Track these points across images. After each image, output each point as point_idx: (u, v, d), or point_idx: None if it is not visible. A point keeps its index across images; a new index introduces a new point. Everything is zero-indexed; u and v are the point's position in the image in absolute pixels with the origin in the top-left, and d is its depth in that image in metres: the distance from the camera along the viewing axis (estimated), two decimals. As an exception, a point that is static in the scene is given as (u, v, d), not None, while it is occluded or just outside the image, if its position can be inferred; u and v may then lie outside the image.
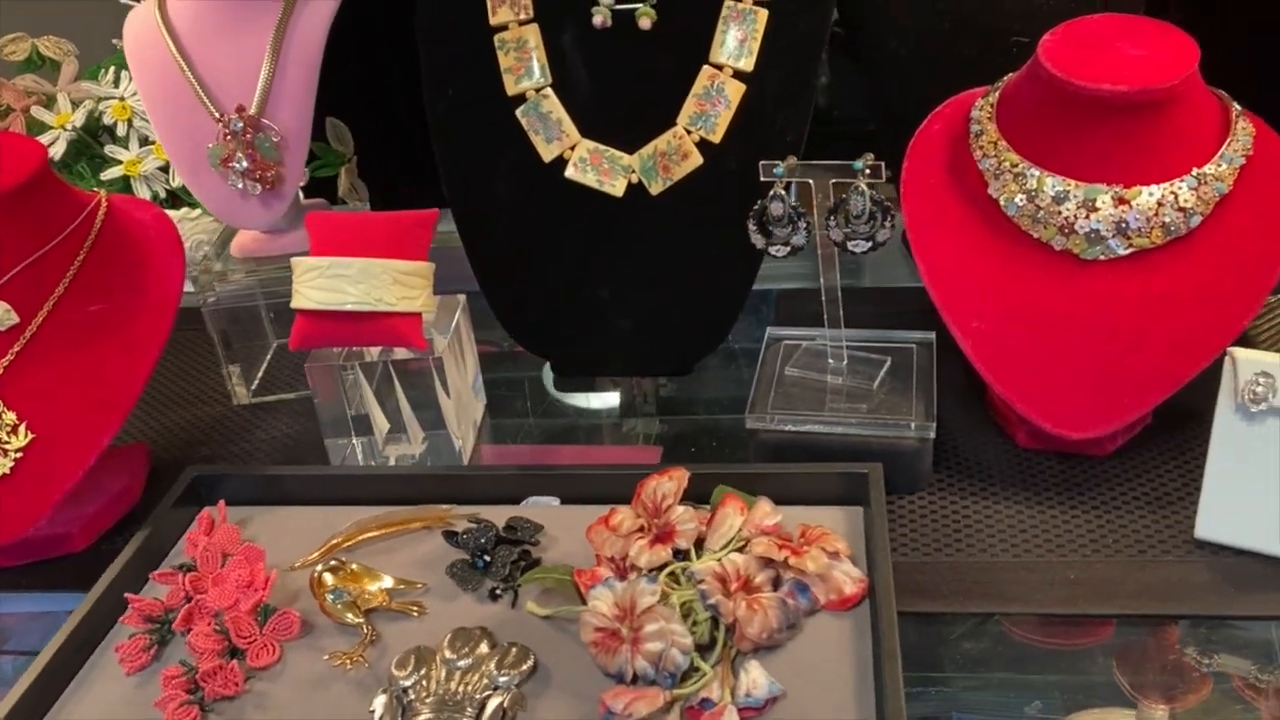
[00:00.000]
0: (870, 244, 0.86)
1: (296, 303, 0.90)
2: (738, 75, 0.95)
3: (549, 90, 0.98)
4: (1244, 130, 0.87)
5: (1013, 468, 0.91)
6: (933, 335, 0.96)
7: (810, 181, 0.86)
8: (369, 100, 1.35)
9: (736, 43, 0.95)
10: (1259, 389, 0.76)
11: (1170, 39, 0.87)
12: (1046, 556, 0.82)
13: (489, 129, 0.99)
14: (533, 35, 0.98)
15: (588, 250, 1.01)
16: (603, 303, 1.02)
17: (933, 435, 0.88)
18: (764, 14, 0.94)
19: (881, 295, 1.15)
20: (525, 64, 0.98)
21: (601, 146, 0.98)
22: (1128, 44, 0.87)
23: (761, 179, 0.87)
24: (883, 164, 0.84)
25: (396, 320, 0.90)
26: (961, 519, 0.87)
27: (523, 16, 0.98)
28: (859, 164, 0.84)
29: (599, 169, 0.98)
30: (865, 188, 0.84)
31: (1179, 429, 0.91)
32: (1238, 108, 0.88)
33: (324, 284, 0.89)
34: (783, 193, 0.87)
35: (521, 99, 0.98)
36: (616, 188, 0.98)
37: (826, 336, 0.94)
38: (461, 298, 1.02)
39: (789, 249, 0.89)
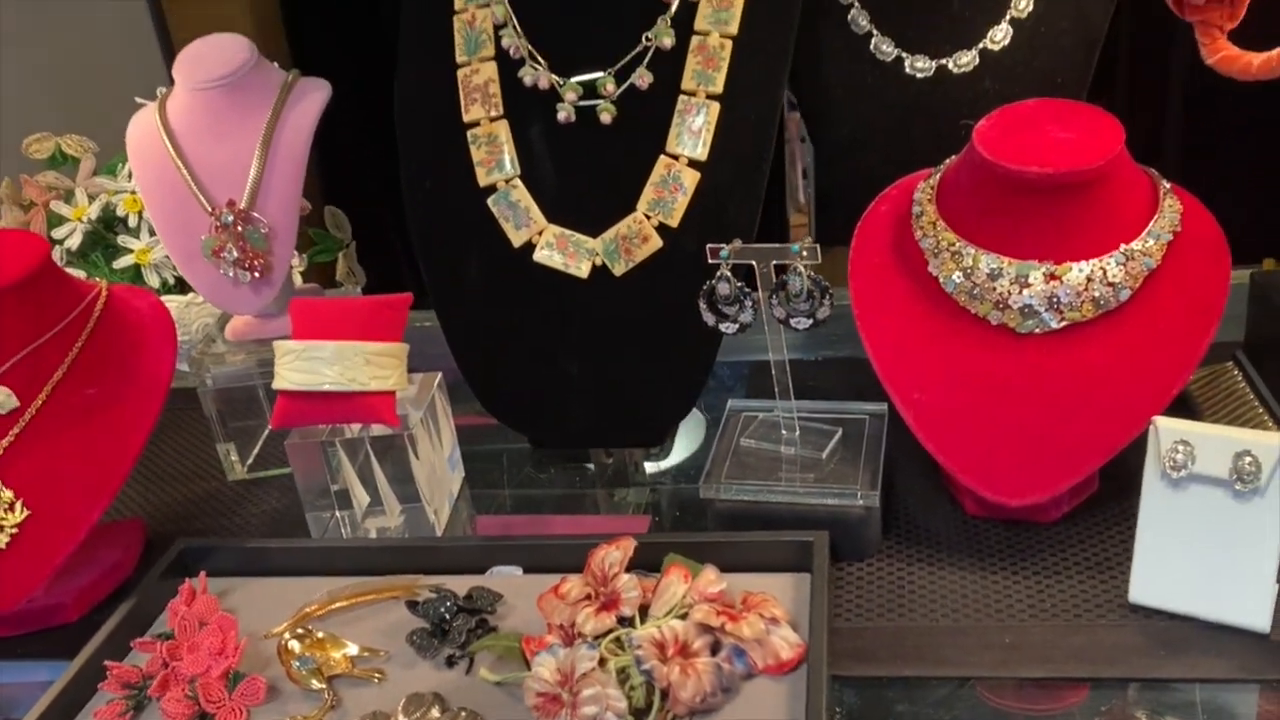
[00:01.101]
0: (811, 321, 0.91)
1: (277, 384, 0.96)
2: (693, 164, 1.01)
3: (518, 181, 1.04)
4: (1171, 207, 0.91)
5: (960, 535, 0.94)
6: (884, 406, 0.99)
7: (753, 263, 0.91)
8: (372, 186, 1.43)
9: (691, 134, 1.01)
10: (1179, 456, 0.79)
11: (1098, 122, 0.91)
12: (985, 621, 0.84)
13: (462, 217, 1.06)
14: (503, 130, 1.05)
15: (557, 328, 1.06)
16: (573, 378, 1.07)
17: (877, 503, 0.91)
18: (716, 106, 1.00)
19: (849, 366, 1.19)
20: (496, 157, 1.05)
21: (567, 231, 1.04)
22: (1057, 128, 0.91)
23: (709, 261, 0.92)
24: (818, 246, 0.88)
25: (371, 399, 0.96)
26: (906, 585, 0.89)
27: (493, 114, 1.05)
28: (796, 247, 0.88)
29: (565, 252, 1.03)
30: (803, 269, 0.88)
31: (1124, 496, 0.93)
32: (1166, 185, 0.92)
33: (302, 366, 0.95)
34: (729, 274, 0.92)
35: (492, 189, 1.05)
36: (582, 270, 1.03)
37: (781, 408, 0.98)
38: (438, 374, 1.07)
39: (738, 326, 0.94)
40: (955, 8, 1.07)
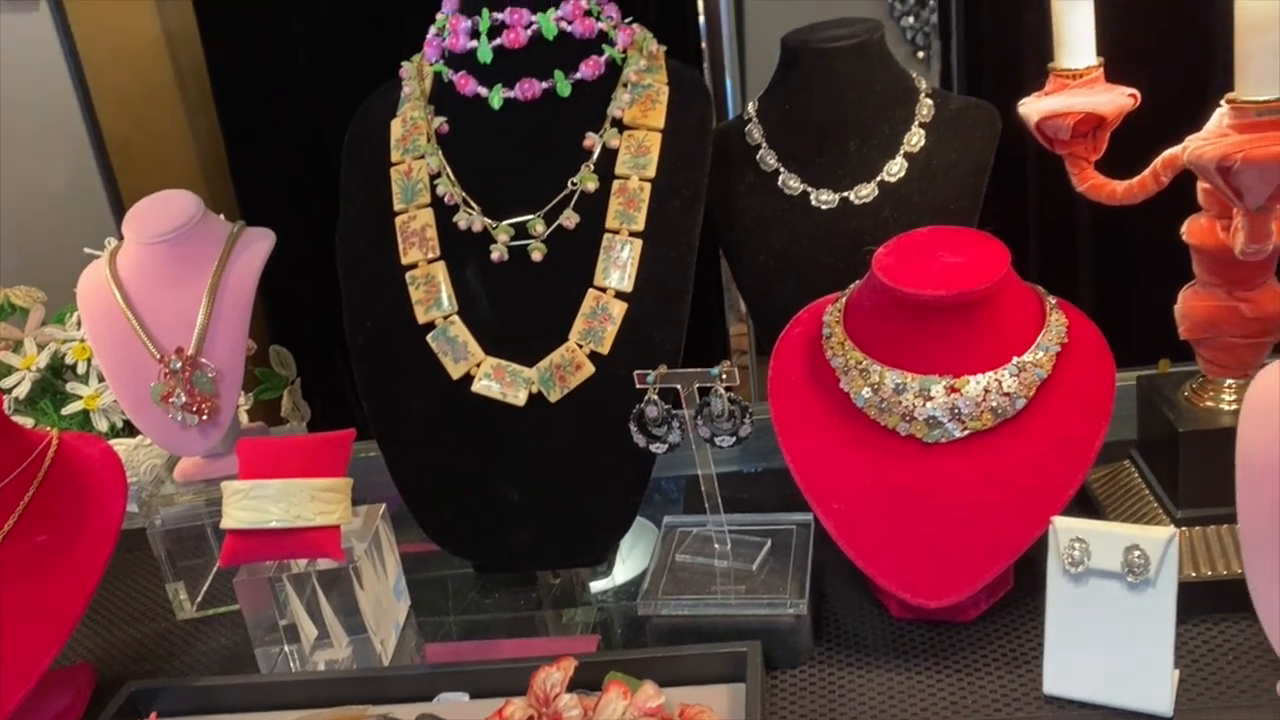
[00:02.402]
0: (734, 439, 0.97)
1: (225, 523, 0.99)
2: (620, 295, 1.07)
3: (455, 317, 1.10)
4: (1057, 321, 0.99)
5: (887, 638, 0.99)
6: (810, 516, 1.05)
7: (678, 387, 0.97)
8: (315, 324, 1.49)
9: (617, 268, 1.08)
10: (1076, 553, 0.85)
11: (985, 246, 1.00)
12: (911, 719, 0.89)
13: (403, 353, 1.11)
14: (440, 271, 1.11)
15: (496, 456, 1.10)
16: (513, 503, 1.11)
17: (806, 611, 0.96)
18: (639, 243, 1.08)
19: (779, 478, 1.24)
20: (434, 296, 1.11)
21: (504, 362, 1.09)
22: (949, 253, 1.00)
23: (636, 386, 0.98)
24: (736, 369, 0.95)
25: (316, 534, 0.99)
26: (838, 689, 0.93)
27: (430, 255, 1.11)
28: (715, 370, 0.95)
29: (503, 382, 1.09)
30: (723, 390, 0.95)
31: (1035, 591, 0.99)
32: (1051, 300, 1.01)
33: (248, 505, 0.98)
34: (656, 398, 0.98)
35: (431, 325, 1.10)
36: (519, 398, 1.09)
37: (713, 523, 1.03)
38: (381, 506, 1.11)
39: (667, 446, 1.00)
40: (853, 147, 1.16)
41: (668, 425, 0.98)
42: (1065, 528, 0.86)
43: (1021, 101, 1.00)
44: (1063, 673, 0.87)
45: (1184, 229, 0.94)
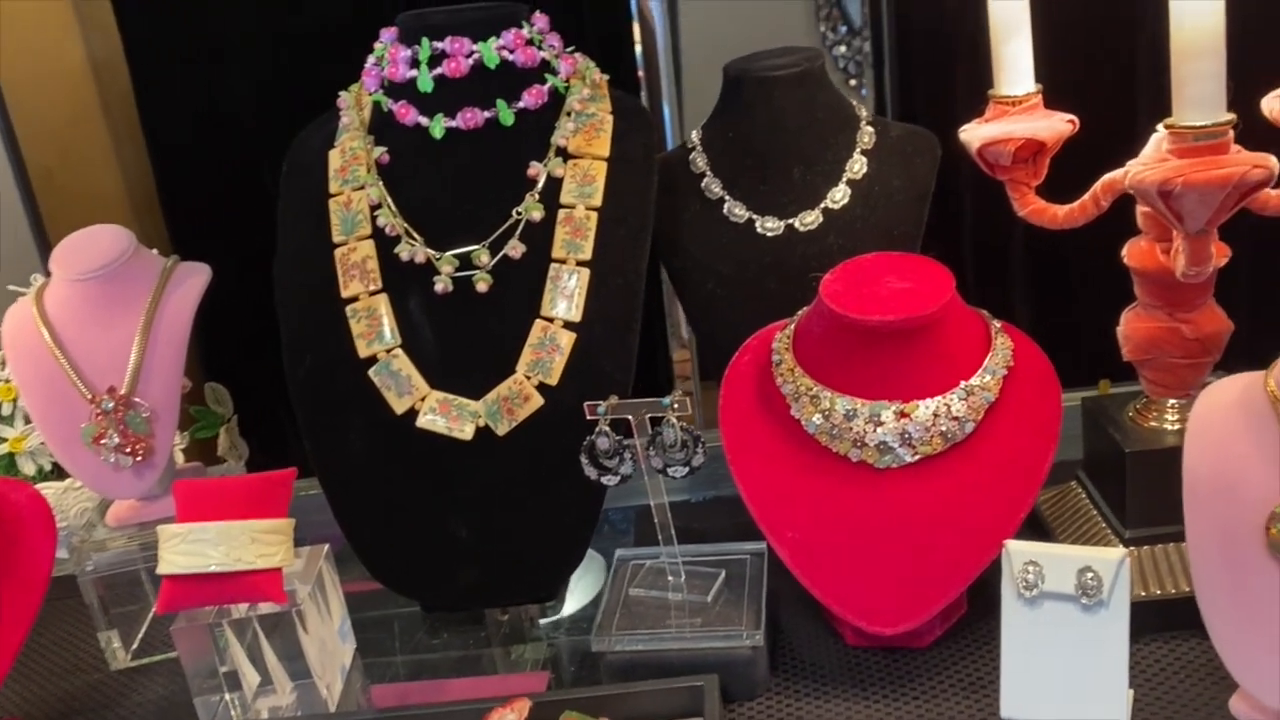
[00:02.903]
0: (687, 468, 0.96)
1: (162, 569, 0.96)
2: (568, 325, 1.06)
3: (399, 350, 1.08)
4: (1003, 344, 1.00)
5: (843, 666, 0.98)
6: (764, 545, 1.04)
7: (629, 417, 0.96)
8: (251, 359, 1.45)
9: (564, 298, 1.06)
10: (1030, 576, 0.85)
11: (930, 271, 1.00)
12: (872, 749, 0.88)
13: (344, 389, 1.08)
14: (382, 304, 1.09)
15: (443, 491, 1.08)
16: (461, 540, 1.09)
17: (763, 642, 0.95)
18: (586, 272, 1.07)
19: (731, 506, 1.23)
20: (376, 329, 1.08)
21: (450, 396, 1.07)
22: (894, 278, 1.00)
23: (588, 418, 0.97)
24: (689, 399, 0.94)
25: (257, 577, 0.96)
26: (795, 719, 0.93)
27: (372, 288, 1.09)
28: (667, 400, 0.94)
29: (448, 416, 1.07)
30: (675, 420, 0.94)
31: (990, 615, 0.99)
32: (996, 324, 1.02)
33: (186, 549, 0.95)
34: (607, 429, 0.97)
35: (373, 360, 1.08)
36: (466, 432, 1.06)
37: (666, 554, 1.02)
38: (324, 546, 1.08)
39: (619, 478, 0.99)
40: (797, 174, 1.17)
41: (619, 457, 0.97)
42: (1018, 551, 0.86)
43: (962, 128, 1.01)
44: (1020, 696, 0.87)
45: (1124, 252, 0.96)
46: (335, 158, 1.13)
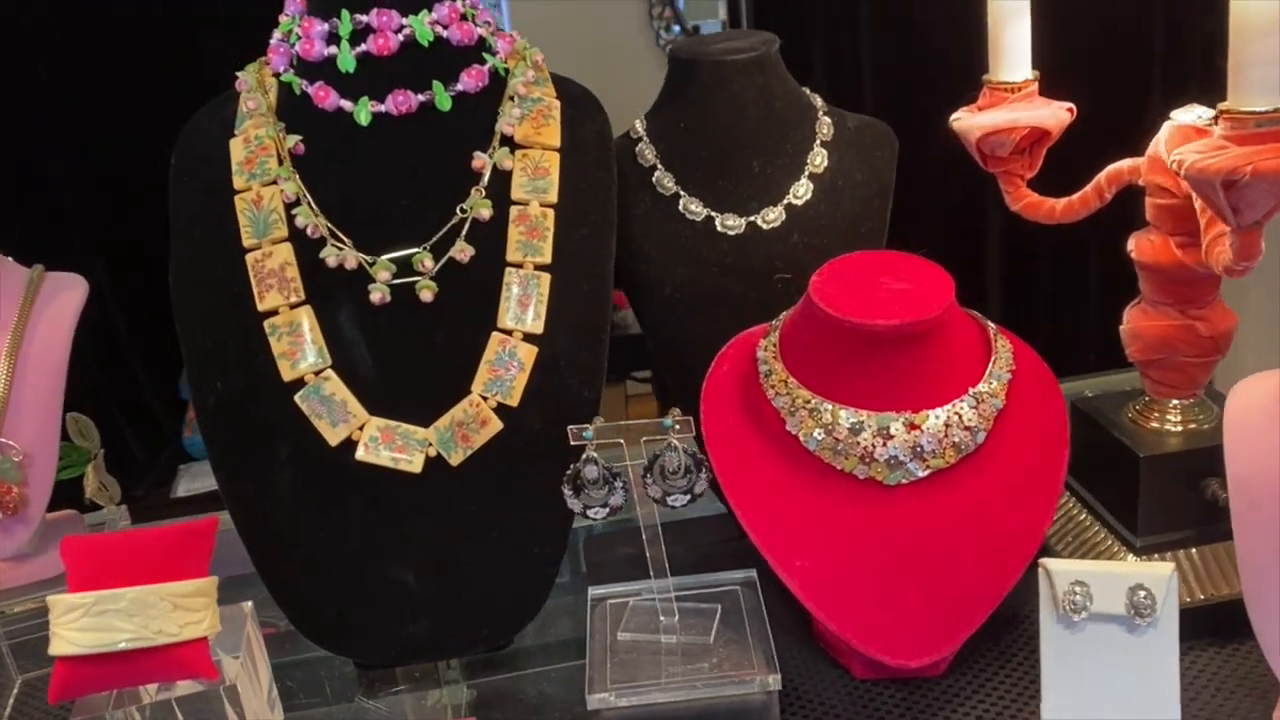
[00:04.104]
0: (689, 497, 0.86)
1: (56, 648, 0.78)
2: (528, 338, 0.94)
3: (330, 372, 0.93)
4: (1004, 347, 0.94)
5: (855, 702, 0.90)
6: (754, 572, 0.95)
7: (622, 441, 0.85)
8: (115, 386, 1.25)
9: (523, 307, 0.94)
10: (1077, 598, 0.79)
11: (926, 271, 0.94)
12: (908, 794, 0.80)
13: (266, 418, 0.93)
14: (306, 317, 0.93)
15: (387, 533, 0.94)
16: (408, 587, 0.94)
17: (779, 686, 0.85)
18: (546, 277, 0.95)
19: (694, 528, 1.14)
20: (300, 347, 0.93)
21: (393, 423, 0.93)
22: (889, 278, 0.93)
23: (571, 443, 0.85)
24: (691, 419, 0.84)
25: (180, 650, 0.80)
26: (819, 768, 0.84)
27: (293, 299, 0.93)
28: (669, 421, 0.83)
29: (393, 446, 0.93)
30: (678, 443, 0.83)
31: (1001, 635, 0.94)
32: (993, 327, 0.96)
33: (90, 624, 0.77)
34: (595, 455, 0.85)
35: (300, 383, 0.93)
36: (414, 464, 0.93)
37: (652, 590, 0.91)
38: (248, 605, 0.92)
39: (608, 510, 0.87)
40: (757, 168, 1.08)
41: (609, 486, 0.86)
42: (1062, 571, 0.80)
43: (955, 116, 0.95)
44: (1065, 725, 0.81)
45: (1131, 246, 0.92)
46: (238, 148, 0.97)
